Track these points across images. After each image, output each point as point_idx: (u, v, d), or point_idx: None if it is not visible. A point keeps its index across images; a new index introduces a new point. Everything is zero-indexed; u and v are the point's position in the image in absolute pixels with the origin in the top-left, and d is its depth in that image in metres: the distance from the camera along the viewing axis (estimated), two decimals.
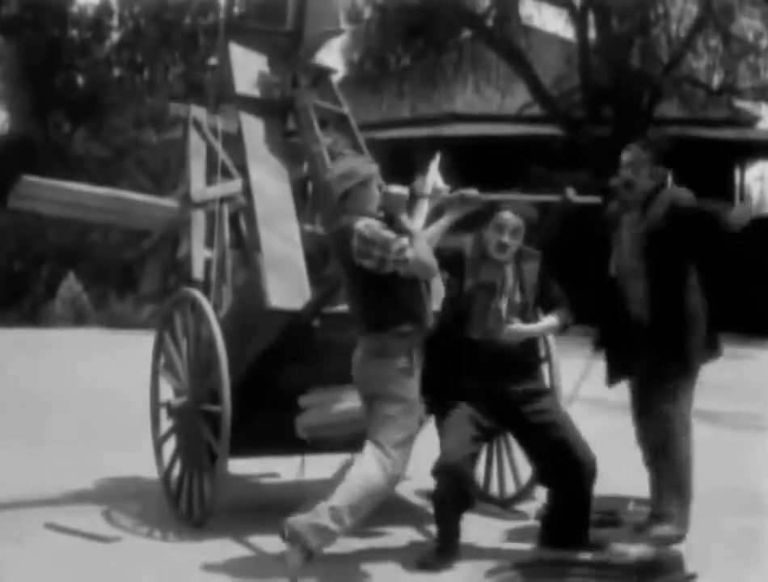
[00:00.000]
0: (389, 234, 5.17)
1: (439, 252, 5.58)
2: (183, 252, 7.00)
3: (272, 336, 6.02)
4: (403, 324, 5.21)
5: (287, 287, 5.96)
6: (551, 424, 5.61)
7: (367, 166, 5.44)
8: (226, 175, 7.11)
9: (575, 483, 5.58)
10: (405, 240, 5.17)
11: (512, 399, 5.64)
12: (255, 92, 6.88)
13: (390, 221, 5.32)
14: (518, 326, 5.66)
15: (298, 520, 5.00)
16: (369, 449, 5.16)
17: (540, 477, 5.88)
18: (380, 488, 5.13)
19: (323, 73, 7.09)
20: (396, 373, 5.18)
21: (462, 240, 5.81)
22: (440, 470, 5.51)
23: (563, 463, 5.57)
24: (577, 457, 5.56)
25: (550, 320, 5.85)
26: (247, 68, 6.93)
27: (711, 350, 6.09)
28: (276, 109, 6.87)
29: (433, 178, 6.82)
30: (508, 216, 5.74)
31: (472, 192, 5.74)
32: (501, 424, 5.77)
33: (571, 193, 5.85)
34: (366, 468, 5.11)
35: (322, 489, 5.26)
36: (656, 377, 5.94)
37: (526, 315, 5.74)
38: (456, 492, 5.52)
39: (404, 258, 5.14)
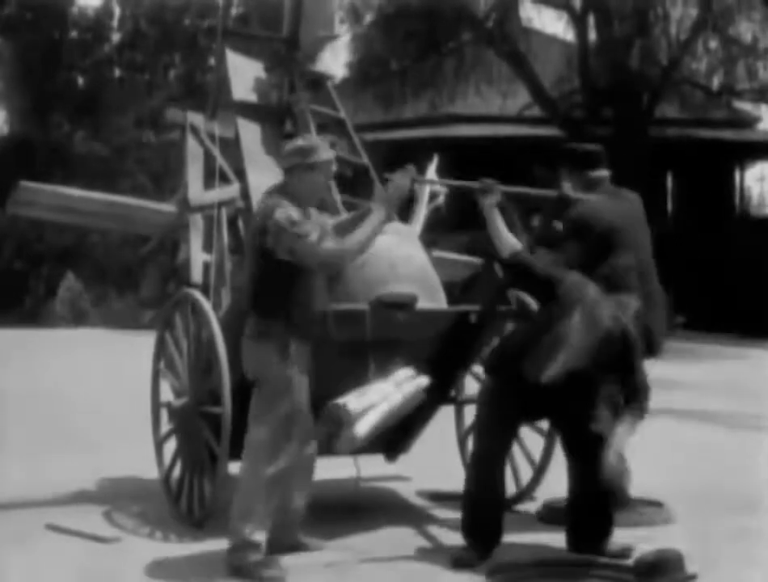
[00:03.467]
0: (303, 228, 5.11)
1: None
2: (182, 257, 7.02)
3: None
4: (286, 314, 5.22)
5: None
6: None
7: (325, 151, 5.34)
8: (224, 179, 7.12)
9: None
10: (315, 235, 5.11)
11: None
12: (252, 97, 6.89)
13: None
14: None
15: (228, 557, 5.21)
16: (249, 442, 5.23)
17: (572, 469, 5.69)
18: (270, 483, 5.18)
19: (321, 79, 7.11)
20: (270, 356, 5.21)
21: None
22: (481, 472, 5.50)
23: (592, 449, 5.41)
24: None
25: None
26: (244, 73, 6.94)
27: None
28: (273, 113, 6.89)
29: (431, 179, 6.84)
30: None
31: (468, 184, 5.74)
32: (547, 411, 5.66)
33: (567, 189, 5.85)
34: (251, 463, 5.19)
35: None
36: None
37: None
38: (496, 491, 5.54)
39: (315, 253, 5.11)
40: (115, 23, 30.61)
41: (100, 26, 30.14)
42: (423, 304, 6.09)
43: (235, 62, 6.98)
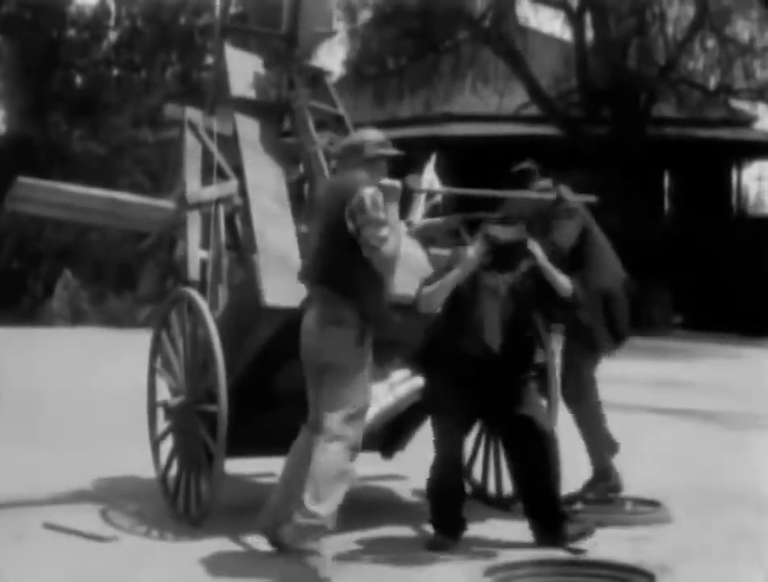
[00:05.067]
0: (382, 217, 5.18)
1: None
2: (179, 254, 7.01)
3: (267, 335, 6.03)
4: (362, 294, 5.21)
5: (282, 285, 5.96)
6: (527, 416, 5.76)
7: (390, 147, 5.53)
8: (222, 176, 7.12)
9: (538, 454, 5.69)
10: (386, 231, 5.17)
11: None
12: (251, 94, 6.88)
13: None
14: None
15: (285, 533, 5.19)
16: (322, 433, 5.19)
17: (511, 462, 6.01)
18: (344, 467, 5.17)
19: (319, 75, 7.11)
20: (348, 344, 5.19)
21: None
22: (442, 465, 5.69)
23: (527, 438, 5.69)
24: (538, 429, 5.70)
25: None
26: (243, 69, 6.93)
27: None
28: (272, 110, 6.88)
29: (429, 177, 6.83)
30: None
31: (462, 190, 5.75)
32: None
33: (565, 191, 5.84)
34: (325, 454, 5.15)
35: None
36: None
37: None
38: (456, 485, 5.78)
39: (375, 246, 5.15)
40: (111, 21, 30.59)
41: (98, 25, 30.11)
42: None
43: (234, 58, 6.97)
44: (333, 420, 5.17)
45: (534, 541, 5.79)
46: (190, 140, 7.14)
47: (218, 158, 7.07)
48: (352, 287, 5.21)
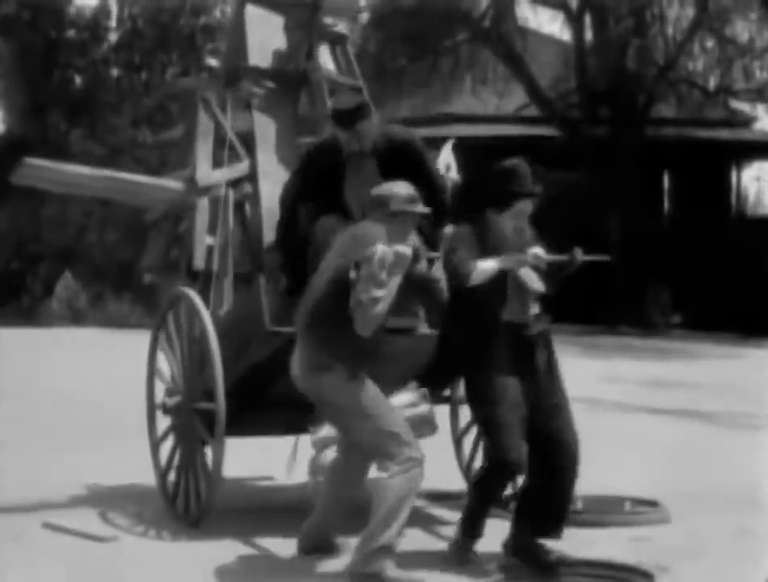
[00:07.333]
0: (384, 278, 5.07)
1: None
2: (185, 227, 6.89)
3: (267, 352, 5.99)
4: (348, 342, 5.12)
5: (285, 308, 5.92)
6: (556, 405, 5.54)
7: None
8: (233, 154, 6.91)
9: (558, 463, 5.46)
10: (382, 293, 5.05)
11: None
12: (269, 62, 6.79)
13: None
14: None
15: (352, 562, 5.09)
16: (383, 469, 5.12)
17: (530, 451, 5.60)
18: (411, 490, 5.12)
19: (340, 39, 6.99)
20: (341, 383, 5.11)
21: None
22: (503, 467, 5.41)
23: (552, 442, 5.47)
24: (565, 438, 5.47)
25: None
26: (261, 37, 6.80)
27: None
28: (289, 81, 6.79)
29: (446, 158, 6.76)
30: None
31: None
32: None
33: (579, 254, 5.76)
34: (391, 489, 5.07)
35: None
36: None
37: None
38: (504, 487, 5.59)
39: (365, 303, 5.04)
40: (112, 22, 30.62)
41: (97, 25, 30.14)
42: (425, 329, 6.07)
43: (254, 20, 6.83)
44: (385, 453, 5.11)
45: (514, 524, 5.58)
46: (203, 118, 6.91)
47: (231, 135, 6.88)
48: (338, 337, 5.12)
